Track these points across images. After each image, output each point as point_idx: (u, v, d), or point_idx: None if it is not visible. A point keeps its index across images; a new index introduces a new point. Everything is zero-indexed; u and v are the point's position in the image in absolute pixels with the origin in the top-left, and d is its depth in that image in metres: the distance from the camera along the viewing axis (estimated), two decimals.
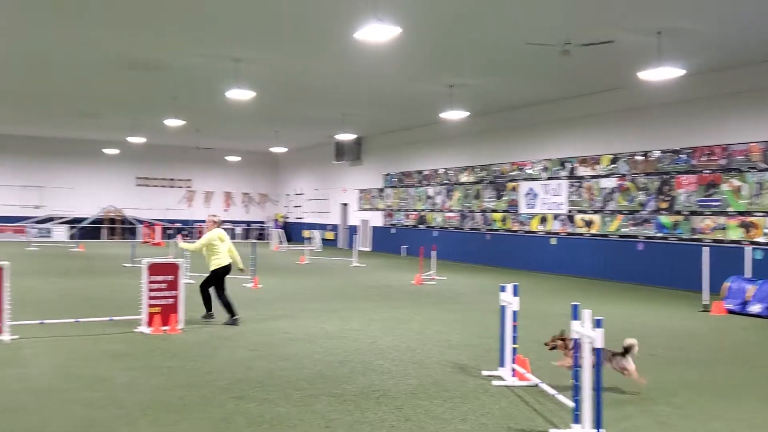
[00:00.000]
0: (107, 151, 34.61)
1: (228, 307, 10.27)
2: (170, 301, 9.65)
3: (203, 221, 37.72)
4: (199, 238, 11.98)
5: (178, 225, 36.87)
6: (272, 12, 11.92)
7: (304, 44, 14.00)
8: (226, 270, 10.46)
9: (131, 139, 30.27)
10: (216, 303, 10.47)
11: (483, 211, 23.52)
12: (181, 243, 11.31)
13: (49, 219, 34.61)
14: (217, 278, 10.44)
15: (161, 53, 15.10)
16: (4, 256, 19.94)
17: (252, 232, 39.13)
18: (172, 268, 9.83)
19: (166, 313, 9.52)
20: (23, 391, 6.22)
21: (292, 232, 37.64)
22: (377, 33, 10.70)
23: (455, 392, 6.60)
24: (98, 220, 35.41)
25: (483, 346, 8.92)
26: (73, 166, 35.56)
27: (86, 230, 34.52)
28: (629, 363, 6.61)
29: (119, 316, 10.20)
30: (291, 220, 38.66)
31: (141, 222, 35.84)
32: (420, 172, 27.03)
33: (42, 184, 34.89)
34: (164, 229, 35.19)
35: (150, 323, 9.38)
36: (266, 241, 36.93)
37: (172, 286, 9.72)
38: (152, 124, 27.05)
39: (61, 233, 33.70)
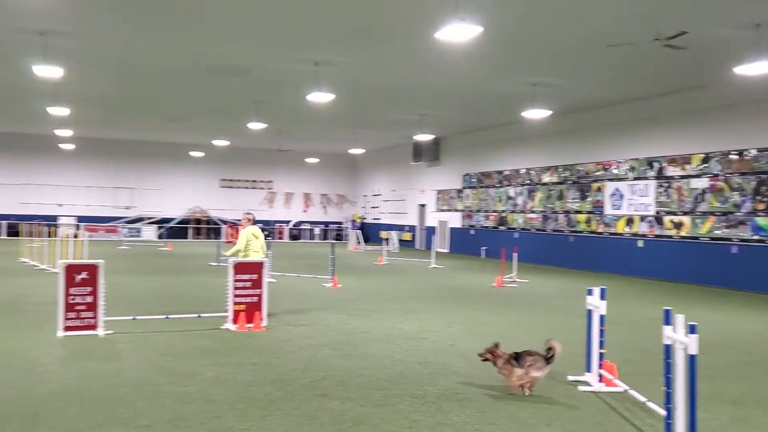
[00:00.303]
0: (193, 153, 35.85)
1: None
2: (254, 299, 9.85)
3: (285, 222, 38.81)
4: (266, 237, 12.14)
5: (260, 225, 37.80)
6: (353, 15, 12.02)
7: (384, 46, 14.06)
8: None
9: (216, 142, 31.24)
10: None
11: (566, 212, 22.98)
12: (227, 252, 11.55)
13: (139, 219, 36.15)
14: None
15: (246, 59, 15.50)
16: (99, 254, 20.95)
17: (330, 233, 39.65)
18: (257, 267, 10.03)
19: (250, 310, 9.74)
20: (118, 384, 6.48)
21: (370, 232, 37.90)
22: (459, 32, 10.63)
23: (539, 397, 6.45)
24: (185, 221, 36.72)
25: (567, 350, 8.66)
26: (161, 168, 37.01)
27: (173, 230, 35.85)
28: (546, 370, 6.53)
29: (206, 313, 10.51)
30: (368, 220, 38.94)
31: (224, 222, 36.90)
32: (500, 172, 26.67)
33: (133, 186, 36.47)
34: None
35: (235, 320, 9.61)
36: (344, 241, 37.34)
37: (256, 284, 9.92)
38: (236, 127, 27.83)
39: (150, 233, 35.12)
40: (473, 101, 20.76)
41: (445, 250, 29.74)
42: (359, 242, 31.38)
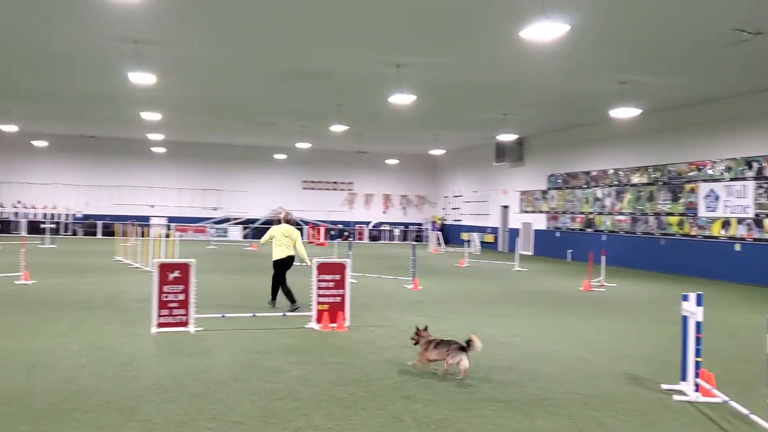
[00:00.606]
0: (277, 156, 36.68)
1: (288, 294, 11.29)
2: (337, 299, 9.94)
3: (365, 222, 39.10)
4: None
5: (340, 226, 38.27)
6: (436, 16, 11.95)
7: (467, 46, 13.93)
8: (281, 262, 11.37)
9: (299, 145, 31.85)
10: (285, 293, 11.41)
11: (657, 214, 22.11)
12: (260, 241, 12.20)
13: (226, 220, 37.28)
14: (276, 269, 11.43)
15: (328, 62, 15.71)
16: (188, 254, 21.71)
17: (409, 234, 39.68)
18: (340, 268, 10.11)
19: (333, 310, 9.83)
20: (209, 380, 6.66)
21: (450, 234, 37.68)
22: (545, 31, 10.41)
23: (630, 405, 6.20)
24: (268, 221, 37.58)
25: (660, 357, 8.34)
26: (247, 170, 38.06)
27: (258, 230, 36.76)
28: (465, 359, 6.98)
29: (291, 312, 10.71)
30: (449, 222, 38.73)
31: (306, 223, 37.56)
32: (587, 172, 25.96)
33: (220, 188, 37.65)
34: (327, 230, 36.66)
35: (319, 320, 9.73)
36: (424, 243, 37.29)
37: (339, 285, 10.01)
38: (318, 129, 28.28)
39: (236, 233, 36.17)
40: (558, 100, 20.30)
41: (529, 253, 29.20)
42: (440, 244, 31.24)
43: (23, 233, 20.68)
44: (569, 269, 22.02)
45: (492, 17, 11.90)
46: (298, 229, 12.05)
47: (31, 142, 33.53)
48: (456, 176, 38.04)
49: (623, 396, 6.51)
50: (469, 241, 30.14)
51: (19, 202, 34.94)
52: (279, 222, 11.91)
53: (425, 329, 7.55)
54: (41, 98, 22.66)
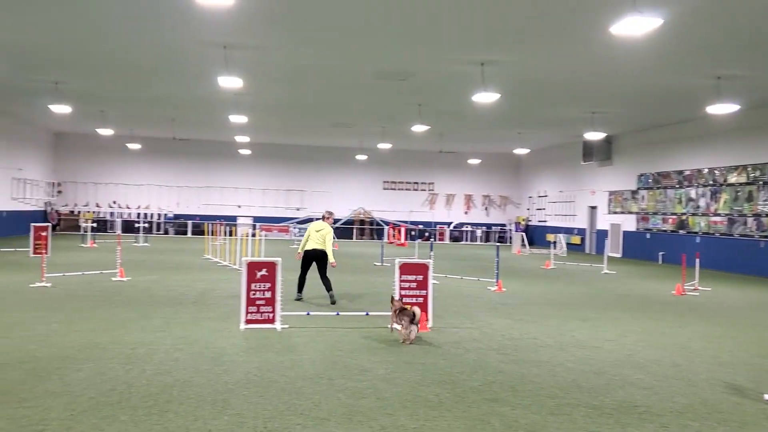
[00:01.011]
0: (359, 157, 37.03)
1: (300, 285, 12.28)
2: (420, 299, 9.90)
3: (446, 223, 38.90)
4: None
5: (420, 227, 38.22)
6: (523, 12, 11.73)
7: (554, 43, 13.61)
8: (308, 253, 12.13)
9: (380, 146, 32.05)
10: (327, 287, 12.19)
11: (756, 215, 20.95)
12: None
13: (309, 220, 37.91)
14: (304, 261, 12.29)
15: (411, 63, 15.70)
16: (273, 252, 22.22)
17: (492, 235, 39.20)
18: (422, 268, 10.07)
19: None
20: (296, 376, 6.77)
21: (535, 235, 37.00)
22: (636, 26, 10.05)
23: (731, 415, 5.89)
24: (349, 221, 38.02)
25: (762, 366, 7.89)
26: (329, 171, 38.61)
27: (340, 230, 37.24)
28: (415, 330, 8.60)
29: (373, 311, 10.78)
30: (533, 223, 38.01)
31: (387, 223, 37.75)
32: (680, 172, 24.90)
33: (303, 188, 38.36)
34: (408, 230, 36.71)
35: None
36: (507, 244, 36.76)
37: (422, 285, 9.97)
38: (399, 130, 28.38)
39: None
40: (650, 97, 19.56)
41: (618, 255, 28.30)
42: (524, 245, 30.71)
43: (118, 232, 21.77)
44: (660, 272, 21.19)
45: (581, 12, 11.58)
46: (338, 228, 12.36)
47: (126, 144, 35.21)
48: (541, 176, 37.28)
49: (722, 406, 6.19)
50: (554, 242, 29.47)
51: (114, 202, 36.74)
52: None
53: (400, 300, 9.35)
54: (135, 103, 23.75)
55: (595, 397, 6.40)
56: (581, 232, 32.41)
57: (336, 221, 37.19)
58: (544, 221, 36.61)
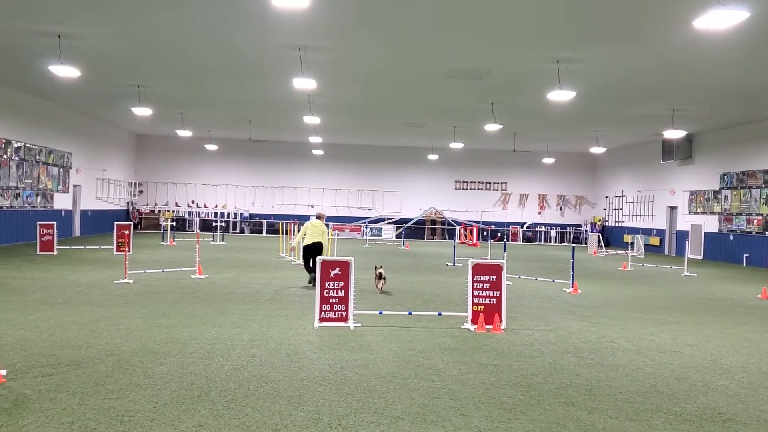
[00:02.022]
0: (430, 156, 36.96)
1: (311, 271, 13.81)
2: (493, 301, 9.80)
3: (519, 223, 38.35)
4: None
5: (493, 227, 37.82)
6: (602, 9, 11.44)
7: (635, 38, 13.21)
8: (309, 246, 13.92)
9: (452, 145, 31.89)
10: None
11: None
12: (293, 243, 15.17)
13: (380, 219, 38.15)
14: (305, 252, 14.03)
15: (485, 61, 15.56)
16: (345, 252, 22.47)
17: (567, 236, 38.40)
18: (496, 269, 9.96)
19: (489, 312, 9.70)
20: (369, 374, 6.82)
21: (612, 236, 36.02)
22: (721, 19, 9.66)
23: None
24: (421, 221, 37.99)
25: None
26: (400, 171, 38.69)
27: (411, 230, 37.29)
28: (380, 282, 12.83)
29: (446, 311, 10.74)
30: (610, 223, 37.01)
31: (458, 223, 37.53)
32: (766, 171, 23.74)
33: (375, 188, 38.59)
34: (480, 230, 36.37)
35: (474, 321, 9.65)
36: (582, 245, 35.93)
37: (495, 286, 9.85)
38: (472, 129, 28.18)
39: (390, 232, 36.90)
40: (734, 93, 18.72)
41: (699, 257, 27.23)
42: (600, 246, 29.95)
43: (197, 231, 22.52)
44: (745, 275, 20.25)
45: (663, 6, 11.19)
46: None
47: (204, 146, 36.33)
48: (618, 175, 36.25)
49: None
50: (632, 243, 28.61)
51: (192, 201, 37.94)
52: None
53: (380, 266, 13.73)
54: (213, 105, 24.46)
55: (676, 403, 6.18)
56: (660, 233, 31.33)
57: (407, 221, 37.39)
58: (621, 222, 35.59)
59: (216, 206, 37.80)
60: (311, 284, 13.43)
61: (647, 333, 9.81)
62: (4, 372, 6.28)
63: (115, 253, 20.34)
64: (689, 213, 28.82)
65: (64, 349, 7.50)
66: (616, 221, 36.30)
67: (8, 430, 4.91)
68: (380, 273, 13.15)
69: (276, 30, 13.43)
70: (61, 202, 26.99)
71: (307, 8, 11.77)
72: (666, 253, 30.46)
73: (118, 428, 4.99)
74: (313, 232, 14.03)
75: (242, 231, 37.47)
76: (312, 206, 38.14)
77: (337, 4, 11.70)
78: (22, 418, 5.15)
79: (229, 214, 37.71)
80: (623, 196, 35.43)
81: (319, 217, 14.78)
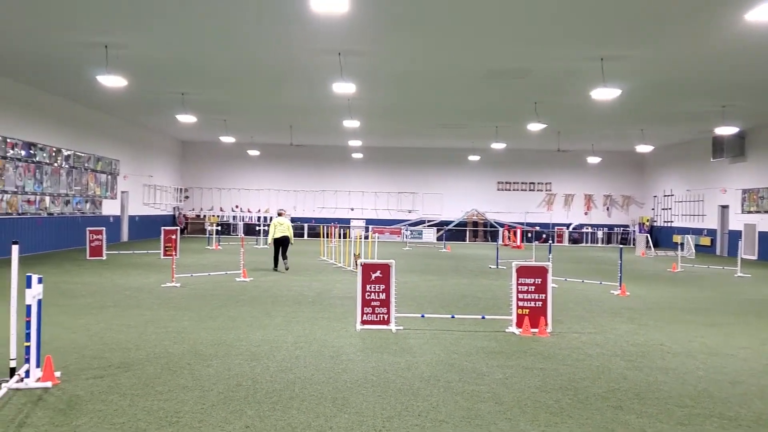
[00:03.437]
0: (471, 157, 36.75)
1: (276, 262, 17.76)
2: (538, 304, 9.67)
3: (565, 224, 37.86)
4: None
5: (537, 228, 37.38)
6: (646, 4, 11.21)
7: (681, 33, 12.90)
8: (278, 240, 17.40)
9: (493, 145, 31.66)
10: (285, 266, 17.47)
11: None
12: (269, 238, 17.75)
13: (421, 222, 38.07)
14: (275, 244, 17.54)
15: (527, 60, 15.39)
16: (386, 254, 22.48)
17: (614, 237, 37.72)
18: (541, 272, 9.83)
19: (534, 315, 9.58)
20: (412, 377, 6.79)
21: (661, 236, 35.26)
22: None
23: None
24: (462, 223, 37.78)
25: None
26: (441, 173, 38.55)
27: (452, 232, 37.10)
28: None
29: (489, 315, 10.64)
30: (658, 223, 36.23)
31: (501, 225, 37.20)
32: None
33: (414, 191, 38.53)
34: (524, 232, 35.98)
35: (519, 324, 9.54)
36: (630, 246, 35.27)
37: (540, 289, 9.73)
38: (514, 129, 27.91)
39: (430, 235, 36.80)
40: None
41: (753, 257, 26.43)
42: (649, 247, 29.34)
43: (241, 235, 22.78)
44: None
45: (710, 1, 10.91)
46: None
47: (247, 151, 36.82)
48: (666, 174, 35.46)
49: None
50: (682, 244, 27.95)
51: (236, 206, 38.48)
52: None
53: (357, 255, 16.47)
54: (255, 111, 24.77)
55: (730, 408, 6.00)
56: (711, 232, 30.52)
57: (448, 223, 37.24)
58: (670, 222, 34.80)
59: (259, 210, 38.26)
60: (276, 270, 17.51)
61: (698, 336, 9.56)
62: (58, 374, 6.45)
63: (162, 257, 20.74)
64: (742, 212, 28.00)
65: (115, 351, 7.67)
66: (664, 221, 35.51)
67: (63, 429, 5.03)
68: (358, 255, 17.67)
69: (315, 35, 13.53)
70: (110, 208, 27.66)
71: (347, 13, 11.83)
72: (717, 253, 29.66)
73: (167, 429, 5.07)
74: (280, 228, 17.35)
75: None
76: (352, 209, 38.31)
77: (376, 8, 11.73)
78: (75, 419, 5.27)
79: (271, 218, 38.11)
80: (672, 195, 34.65)
81: (280, 214, 17.92)
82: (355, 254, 19.02)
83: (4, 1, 11.92)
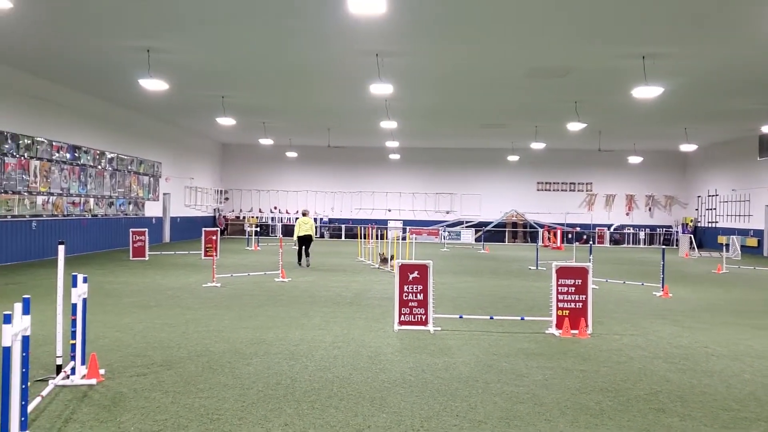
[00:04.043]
0: (510, 158, 36.46)
1: (300, 257, 19.22)
2: (578, 305, 9.55)
3: (606, 225, 37.28)
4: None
5: (578, 229, 36.90)
6: (688, 1, 11.00)
7: (725, 29, 12.60)
8: (302, 237, 19.09)
9: (533, 145, 31.36)
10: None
11: None
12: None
13: (459, 223, 37.91)
14: (299, 242, 19.12)
15: (567, 58, 15.22)
16: (424, 255, 22.43)
17: (657, 237, 37.01)
18: (581, 272, 9.70)
19: (575, 316, 9.46)
20: (450, 378, 6.77)
21: (705, 237, 34.48)
22: None
23: None
24: (501, 224, 37.50)
25: None
26: (479, 173, 38.33)
27: (490, 233, 36.85)
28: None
29: (529, 316, 10.55)
30: (702, 224, 35.43)
31: (541, 226, 36.81)
32: None
33: (452, 191, 38.38)
34: (564, 233, 35.54)
35: (559, 326, 9.43)
36: (673, 246, 34.58)
37: (581, 290, 9.60)
38: (553, 129, 27.61)
39: (468, 236, 36.60)
40: None
41: None
42: (692, 248, 28.71)
43: (279, 236, 23.01)
44: None
45: None
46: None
47: (285, 153, 37.16)
48: (711, 173, 34.66)
49: None
50: (727, 244, 27.29)
51: (275, 207, 38.86)
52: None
53: (382, 253, 18.79)
54: (294, 114, 24.98)
55: None
56: (758, 233, 29.72)
57: (486, 224, 37.01)
58: (715, 222, 34.00)
59: (297, 212, 38.56)
60: (300, 264, 19.07)
61: (744, 338, 9.33)
62: (102, 371, 6.60)
63: (203, 257, 21.06)
64: None
65: (157, 349, 7.82)
66: (709, 222, 34.71)
67: (108, 425, 5.15)
68: (382, 253, 19.51)
69: (353, 37, 13.59)
70: (152, 209, 28.19)
71: (384, 14, 11.85)
72: (765, 254, 28.86)
73: (208, 426, 5.15)
74: (304, 227, 19.13)
75: (322, 235, 38.06)
76: (389, 210, 38.35)
77: (413, 9, 11.73)
78: (120, 415, 5.39)
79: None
80: (716, 195, 33.85)
81: (304, 214, 19.70)
82: (380, 253, 19.98)
83: (51, 9, 12.26)
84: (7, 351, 4.31)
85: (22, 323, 4.56)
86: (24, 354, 4.58)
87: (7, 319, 4.28)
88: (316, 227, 38.09)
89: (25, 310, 4.65)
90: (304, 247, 19.08)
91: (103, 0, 11.69)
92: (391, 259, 18.19)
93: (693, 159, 36.69)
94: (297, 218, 20.62)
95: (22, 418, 4.59)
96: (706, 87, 18.35)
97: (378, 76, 16.70)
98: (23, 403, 4.60)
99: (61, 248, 6.31)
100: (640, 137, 30.74)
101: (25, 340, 4.62)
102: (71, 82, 19.70)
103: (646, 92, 15.78)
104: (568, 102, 21.07)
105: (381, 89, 16.21)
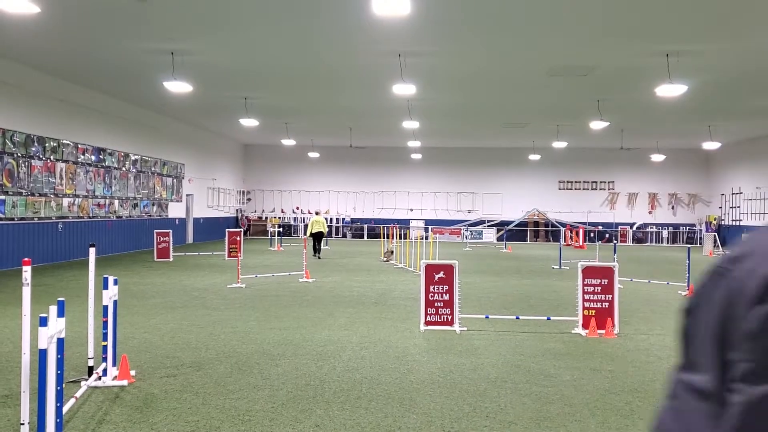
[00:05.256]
0: (532, 157, 36.28)
1: (315, 251, 22.46)
2: (605, 305, 9.49)
3: (629, 224, 36.95)
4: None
5: (600, 228, 36.61)
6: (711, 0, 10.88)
7: (751, 26, 12.44)
8: (316, 233, 22.31)
9: (555, 144, 31.17)
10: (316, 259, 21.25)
11: None
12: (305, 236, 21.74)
13: (481, 222, 37.79)
14: (313, 237, 22.24)
15: (590, 57, 15.12)
16: (445, 255, 22.40)
17: (680, 236, 36.62)
18: (607, 272, 9.64)
19: (601, 316, 9.40)
20: (479, 378, 6.77)
21: (729, 236, 34.05)
22: None
23: None
24: (523, 223, 37.32)
25: None
26: (501, 172, 38.17)
27: (512, 232, 36.70)
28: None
29: (555, 316, 10.50)
30: (726, 222, 35.00)
31: (563, 225, 36.58)
32: None
33: (474, 191, 38.27)
34: (587, 232, 35.29)
35: (585, 325, 9.38)
36: (696, 245, 34.18)
37: (607, 289, 9.54)
38: (576, 127, 27.42)
39: (490, 235, 36.49)
40: None
41: None
42: (716, 246, 28.37)
43: (302, 236, 23.11)
44: None
45: None
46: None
47: (307, 154, 37.30)
48: (735, 171, 34.20)
49: None
50: None
51: (297, 207, 39.01)
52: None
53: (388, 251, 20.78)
54: (316, 114, 25.07)
55: None
56: None
57: (508, 223, 36.86)
58: (739, 220, 33.56)
59: (318, 212, 38.69)
60: (316, 256, 22.09)
61: None
62: (133, 372, 6.69)
63: (226, 258, 21.21)
64: None
65: (185, 350, 7.90)
66: (733, 220, 34.27)
67: (141, 426, 5.22)
68: (389, 250, 21.67)
69: (376, 38, 13.61)
70: (175, 210, 28.45)
71: (408, 15, 11.85)
72: None
73: (239, 427, 5.20)
74: (317, 225, 22.22)
75: (344, 235, 38.16)
76: (411, 210, 38.34)
77: (437, 9, 11.72)
78: (152, 416, 5.46)
79: (331, 219, 38.49)
80: (741, 193, 33.41)
81: (317, 213, 23.83)
82: (389, 250, 21.90)
83: (77, 13, 12.44)
84: (44, 353, 4.38)
85: (57, 325, 4.64)
86: (59, 356, 4.66)
87: (44, 322, 4.35)
88: (337, 227, 38.38)
89: (60, 313, 4.72)
90: (316, 242, 22.54)
91: (128, 4, 11.83)
92: (390, 254, 21.37)
93: (716, 156, 36.24)
94: (310, 218, 23.60)
95: (58, 420, 4.66)
96: (731, 84, 18.12)
97: (401, 77, 16.70)
98: (58, 404, 4.67)
99: (92, 251, 6.41)
100: (662, 135, 30.42)
101: (60, 343, 4.70)
102: (96, 84, 19.95)
103: (670, 90, 15.64)
104: (591, 100, 20.92)
105: (404, 89, 16.22)
